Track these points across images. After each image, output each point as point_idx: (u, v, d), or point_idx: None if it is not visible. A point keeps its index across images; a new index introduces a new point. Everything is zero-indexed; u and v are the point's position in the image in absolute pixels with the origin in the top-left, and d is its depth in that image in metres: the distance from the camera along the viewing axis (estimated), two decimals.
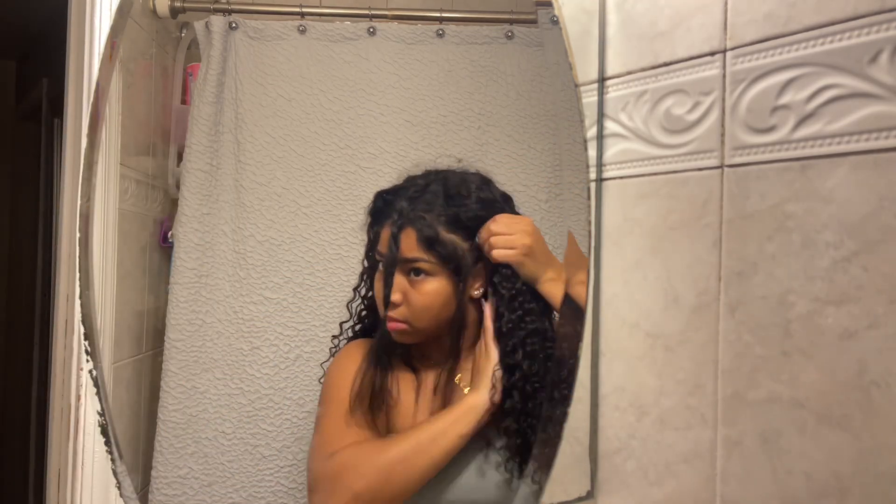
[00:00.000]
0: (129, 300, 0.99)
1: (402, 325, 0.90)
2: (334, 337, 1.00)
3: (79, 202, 0.84)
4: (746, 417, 0.68)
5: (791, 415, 0.64)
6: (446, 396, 0.92)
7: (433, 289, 0.89)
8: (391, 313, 0.90)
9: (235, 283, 1.00)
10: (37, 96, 2.79)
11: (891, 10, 0.58)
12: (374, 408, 0.91)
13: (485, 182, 0.93)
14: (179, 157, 1.02)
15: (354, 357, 0.94)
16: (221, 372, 0.98)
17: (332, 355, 0.99)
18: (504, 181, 0.95)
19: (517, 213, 0.92)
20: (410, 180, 0.93)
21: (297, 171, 1.01)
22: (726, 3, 0.70)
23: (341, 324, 0.99)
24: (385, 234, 0.91)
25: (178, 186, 1.01)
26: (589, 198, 0.81)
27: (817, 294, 0.63)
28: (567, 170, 0.91)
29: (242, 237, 1.00)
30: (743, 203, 0.68)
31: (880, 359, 0.59)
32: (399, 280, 0.89)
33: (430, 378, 0.94)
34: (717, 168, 0.71)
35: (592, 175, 0.82)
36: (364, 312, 0.98)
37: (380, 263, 0.92)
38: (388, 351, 0.92)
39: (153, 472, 0.97)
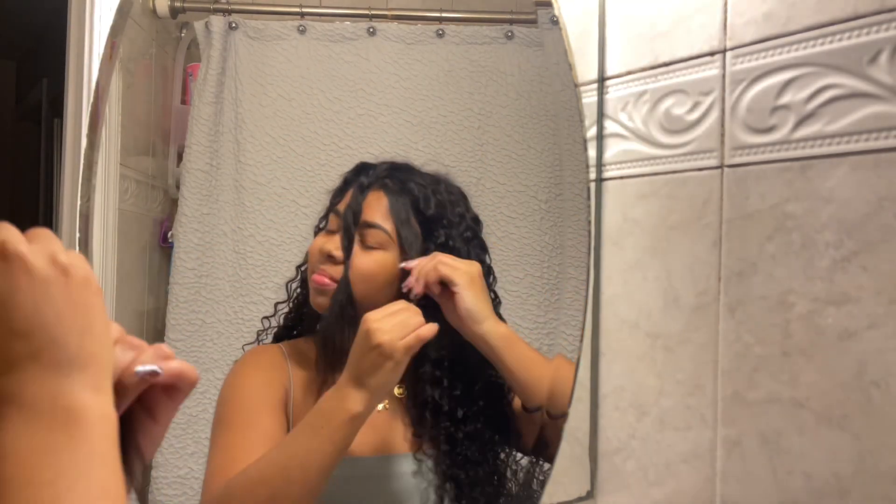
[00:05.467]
0: (129, 300, 0.99)
1: (329, 283, 0.80)
2: (265, 318, 0.92)
3: (79, 202, 0.84)
4: (746, 417, 0.68)
5: (791, 415, 0.64)
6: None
7: (381, 259, 0.81)
8: (324, 266, 0.81)
9: (235, 283, 1.00)
10: (37, 96, 2.80)
11: (891, 10, 0.58)
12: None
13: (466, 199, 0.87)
14: (179, 158, 1.02)
15: (263, 365, 0.85)
16: (221, 372, 0.97)
17: (257, 339, 0.91)
18: (504, 181, 0.95)
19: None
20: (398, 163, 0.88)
21: (297, 171, 1.00)
22: (726, 3, 0.70)
23: (276, 304, 0.91)
24: (351, 193, 0.84)
25: (178, 186, 1.01)
26: (589, 198, 0.81)
27: (817, 294, 0.63)
28: (567, 170, 0.91)
29: (242, 237, 1.00)
30: (743, 203, 0.68)
31: (880, 359, 0.59)
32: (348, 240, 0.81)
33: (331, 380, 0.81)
34: (716, 168, 0.71)
35: (592, 175, 0.82)
36: (298, 289, 0.89)
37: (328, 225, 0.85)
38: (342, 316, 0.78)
39: (153, 472, 0.97)
